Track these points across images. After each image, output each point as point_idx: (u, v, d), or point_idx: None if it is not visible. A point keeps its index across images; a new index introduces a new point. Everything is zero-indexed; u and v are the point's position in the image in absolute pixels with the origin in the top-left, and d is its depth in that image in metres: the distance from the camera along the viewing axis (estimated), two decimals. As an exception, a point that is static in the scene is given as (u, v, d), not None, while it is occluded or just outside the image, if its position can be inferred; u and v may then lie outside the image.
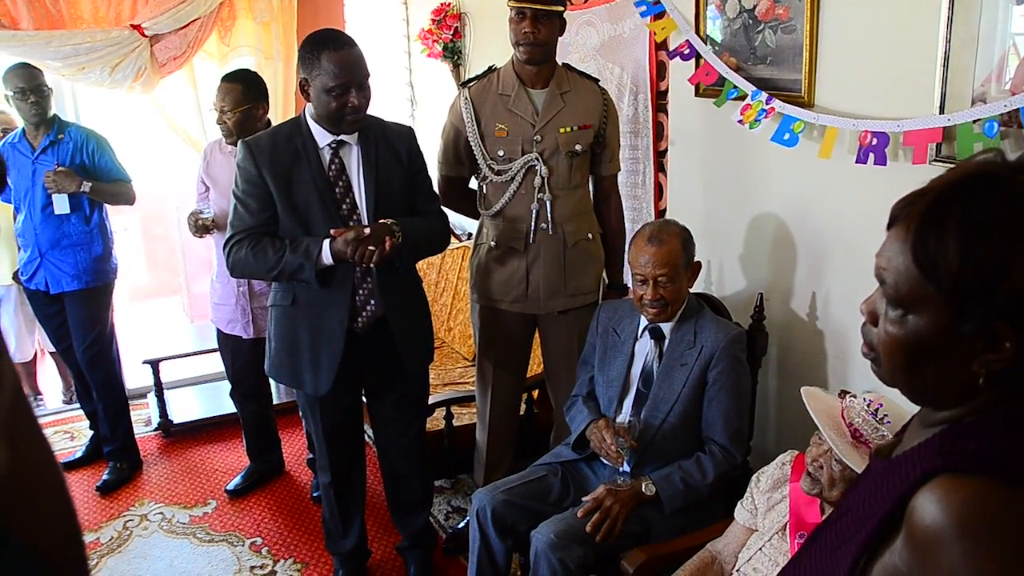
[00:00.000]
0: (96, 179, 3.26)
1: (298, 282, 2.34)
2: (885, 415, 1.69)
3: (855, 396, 1.78)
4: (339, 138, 2.32)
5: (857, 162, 2.07)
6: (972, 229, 0.79)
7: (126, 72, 3.88)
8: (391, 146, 2.41)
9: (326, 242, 2.26)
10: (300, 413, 2.74)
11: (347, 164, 2.35)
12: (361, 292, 2.39)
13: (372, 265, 2.26)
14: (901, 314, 0.86)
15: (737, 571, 1.93)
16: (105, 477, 3.52)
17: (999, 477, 0.79)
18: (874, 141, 2.04)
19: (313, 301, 2.37)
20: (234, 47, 4.23)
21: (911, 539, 0.81)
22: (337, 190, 2.34)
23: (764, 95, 2.35)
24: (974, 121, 1.83)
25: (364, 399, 2.70)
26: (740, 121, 2.41)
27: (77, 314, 3.37)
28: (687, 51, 2.64)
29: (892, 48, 2.05)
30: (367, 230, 2.25)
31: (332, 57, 2.19)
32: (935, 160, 1.95)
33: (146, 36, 3.87)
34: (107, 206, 3.40)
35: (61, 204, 3.23)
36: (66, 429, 4.05)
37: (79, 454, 3.70)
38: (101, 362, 3.44)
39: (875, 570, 0.85)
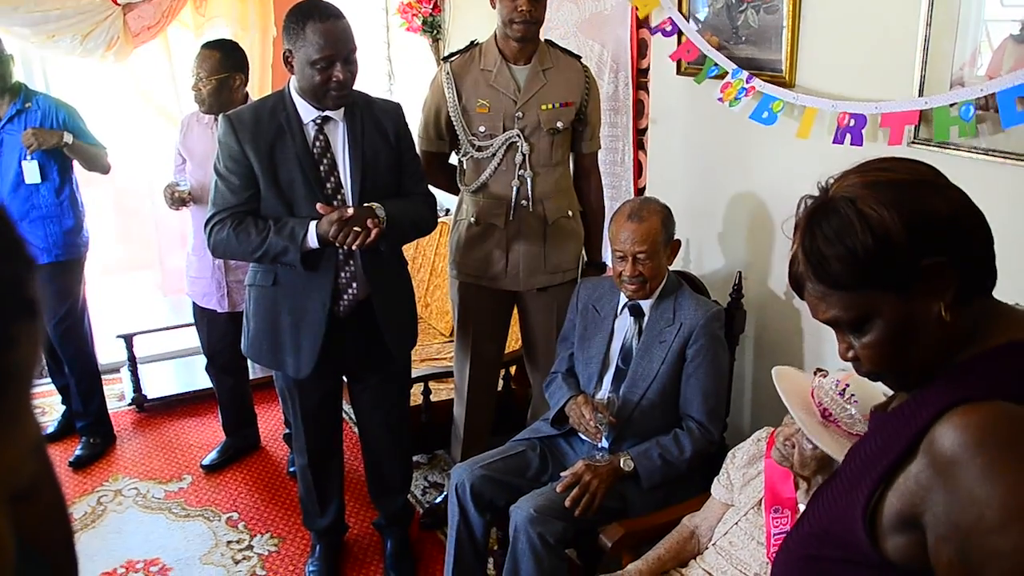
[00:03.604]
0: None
1: (282, 265, 2.29)
2: (852, 394, 1.71)
3: (828, 373, 1.81)
4: (324, 114, 2.26)
5: (834, 142, 2.09)
6: (833, 241, 0.95)
7: (98, 41, 3.80)
8: (378, 123, 2.34)
9: (312, 224, 2.20)
10: (278, 392, 2.71)
11: (332, 141, 2.29)
12: (343, 274, 2.34)
13: (355, 248, 2.20)
14: (864, 329, 0.98)
15: (714, 545, 1.96)
16: (78, 452, 3.49)
17: (1009, 398, 0.87)
18: (851, 122, 2.06)
19: (295, 283, 2.33)
20: (209, 17, 4.15)
21: (933, 465, 0.88)
22: (322, 168, 2.28)
23: (744, 73, 2.36)
24: (951, 105, 1.86)
25: (345, 380, 2.67)
26: (720, 99, 2.41)
27: (47, 288, 3.31)
28: (669, 28, 2.63)
29: (874, 30, 2.06)
30: (350, 211, 2.19)
31: (317, 28, 2.12)
32: (913, 142, 1.97)
33: (119, 4, 3.79)
34: (77, 179, 3.33)
35: (32, 173, 3.14)
36: (37, 404, 3.98)
37: (51, 429, 3.66)
38: (72, 337, 3.40)
39: (889, 495, 0.93)
